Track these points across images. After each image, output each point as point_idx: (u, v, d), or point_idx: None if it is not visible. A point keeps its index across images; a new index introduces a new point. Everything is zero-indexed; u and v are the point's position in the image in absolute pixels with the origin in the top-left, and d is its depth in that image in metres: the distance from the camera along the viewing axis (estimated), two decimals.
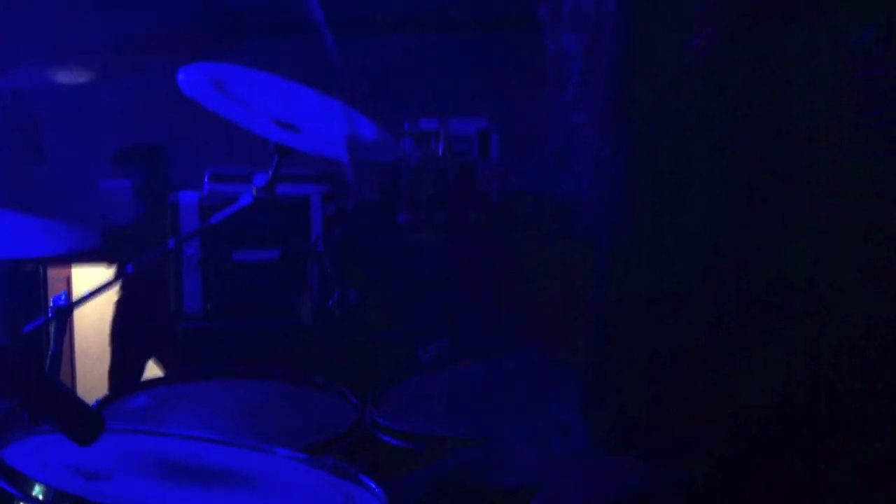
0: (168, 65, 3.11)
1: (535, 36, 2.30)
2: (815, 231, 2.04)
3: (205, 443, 2.32)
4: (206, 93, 2.93)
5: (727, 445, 2.05)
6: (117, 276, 3.12)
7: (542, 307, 3.31)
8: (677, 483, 2.08)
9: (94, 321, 4.87)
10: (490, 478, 2.42)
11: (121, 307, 4.69)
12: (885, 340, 2.03)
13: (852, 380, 2.03)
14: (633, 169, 2.11)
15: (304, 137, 2.95)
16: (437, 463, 2.59)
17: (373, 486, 2.17)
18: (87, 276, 4.85)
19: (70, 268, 4.58)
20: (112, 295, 4.53)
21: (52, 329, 2.86)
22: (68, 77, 4.71)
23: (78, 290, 4.83)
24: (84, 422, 1.88)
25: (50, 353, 2.85)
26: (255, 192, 2.96)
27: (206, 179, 4.33)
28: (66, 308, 2.87)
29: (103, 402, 2.85)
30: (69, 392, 1.91)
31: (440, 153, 3.90)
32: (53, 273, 4.33)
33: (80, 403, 1.90)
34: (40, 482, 2.01)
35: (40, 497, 2.01)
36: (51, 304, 2.89)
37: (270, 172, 2.96)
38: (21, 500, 2.02)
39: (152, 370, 4.53)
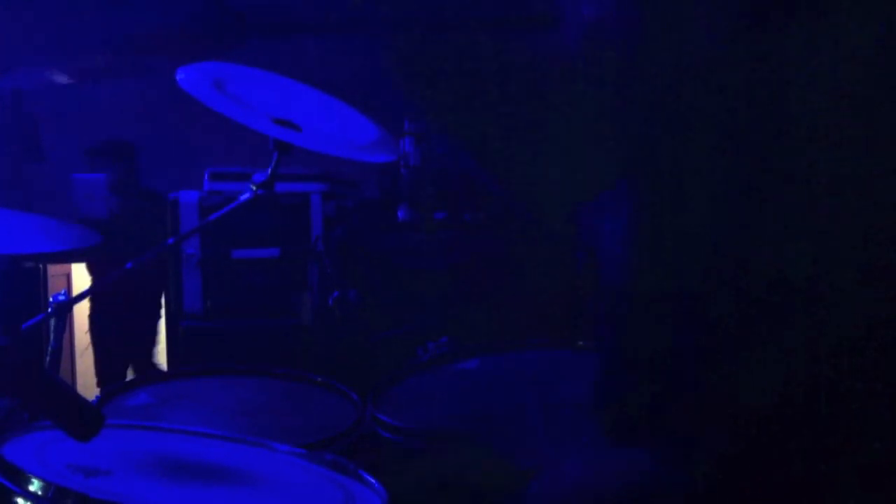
0: (168, 65, 3.11)
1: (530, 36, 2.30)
2: (815, 231, 2.04)
3: (205, 439, 2.32)
4: (205, 91, 2.93)
5: (727, 445, 2.05)
6: (115, 275, 3.11)
7: (542, 307, 3.32)
8: (677, 482, 2.08)
9: None
10: (486, 466, 2.42)
11: (98, 306, 4.69)
12: (885, 340, 2.03)
13: (852, 380, 2.03)
14: (634, 169, 2.11)
15: (303, 136, 2.94)
16: (438, 462, 2.59)
17: (373, 482, 2.17)
18: (86, 274, 4.86)
19: (70, 265, 4.59)
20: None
21: (51, 326, 2.86)
22: (68, 77, 4.71)
23: (78, 287, 4.84)
24: (83, 418, 1.88)
25: (50, 349, 2.85)
26: (254, 189, 2.96)
27: (206, 178, 4.34)
28: (66, 305, 2.87)
29: (103, 399, 2.85)
30: (69, 389, 1.91)
31: (440, 153, 3.91)
32: (53, 270, 4.33)
33: (80, 400, 1.90)
34: (40, 478, 2.01)
35: (40, 493, 2.00)
36: (51, 300, 2.89)
37: (270, 170, 2.96)
38: (21, 496, 2.01)
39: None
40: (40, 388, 1.88)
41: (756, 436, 2.04)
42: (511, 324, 3.42)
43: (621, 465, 2.13)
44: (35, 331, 2.90)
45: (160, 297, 4.63)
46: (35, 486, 2.02)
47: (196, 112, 3.01)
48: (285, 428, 2.74)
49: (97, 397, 2.84)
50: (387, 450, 2.70)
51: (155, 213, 4.48)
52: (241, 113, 2.92)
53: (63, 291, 2.92)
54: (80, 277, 4.89)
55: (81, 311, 4.81)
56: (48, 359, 2.84)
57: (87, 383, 4.85)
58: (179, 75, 2.91)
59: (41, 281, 4.06)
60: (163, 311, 4.65)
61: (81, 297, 2.98)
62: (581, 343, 2.82)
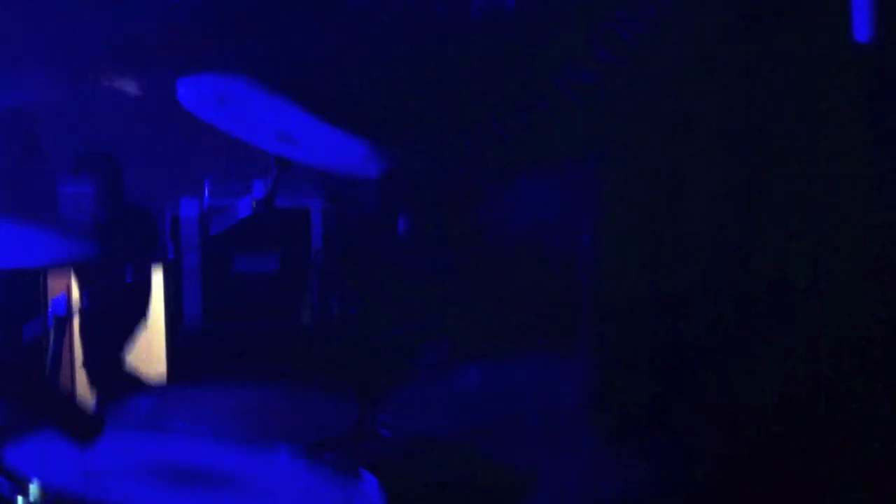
0: (168, 66, 3.11)
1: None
2: (815, 231, 2.04)
3: (205, 443, 2.32)
4: (205, 107, 2.93)
5: (727, 445, 2.05)
6: (115, 283, 3.11)
7: (542, 307, 3.31)
8: (677, 483, 2.08)
9: None
10: (485, 467, 2.42)
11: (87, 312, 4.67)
12: (885, 340, 2.04)
13: (852, 380, 2.03)
14: (633, 169, 2.11)
15: (303, 150, 2.94)
16: (437, 463, 2.59)
17: (373, 485, 2.17)
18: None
19: (70, 272, 4.58)
20: None
21: (52, 331, 2.86)
22: (68, 77, 4.71)
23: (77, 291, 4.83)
24: (84, 425, 1.88)
25: (50, 354, 2.85)
26: (253, 204, 2.97)
27: (206, 191, 4.33)
28: (66, 311, 2.87)
29: (103, 403, 2.85)
30: (69, 395, 1.91)
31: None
32: (53, 277, 4.33)
33: (80, 407, 1.90)
34: (41, 482, 2.02)
35: (40, 496, 2.01)
36: (50, 307, 2.89)
37: (270, 185, 2.96)
38: (21, 499, 2.02)
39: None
40: (40, 392, 1.88)
41: (756, 436, 2.04)
42: (511, 325, 3.41)
43: (621, 465, 2.13)
44: (35, 336, 2.90)
45: (144, 312, 4.61)
46: (35, 489, 2.02)
47: (197, 121, 3.01)
48: (285, 428, 2.74)
49: (97, 402, 2.84)
50: (386, 451, 2.70)
51: (140, 229, 4.48)
52: (241, 128, 2.92)
53: (63, 298, 2.91)
54: None
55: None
56: (48, 364, 2.84)
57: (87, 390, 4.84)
58: (180, 90, 2.91)
59: (41, 285, 4.06)
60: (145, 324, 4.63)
61: (81, 309, 2.98)
62: (581, 344, 2.82)
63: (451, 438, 2.66)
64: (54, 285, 4.27)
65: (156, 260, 4.32)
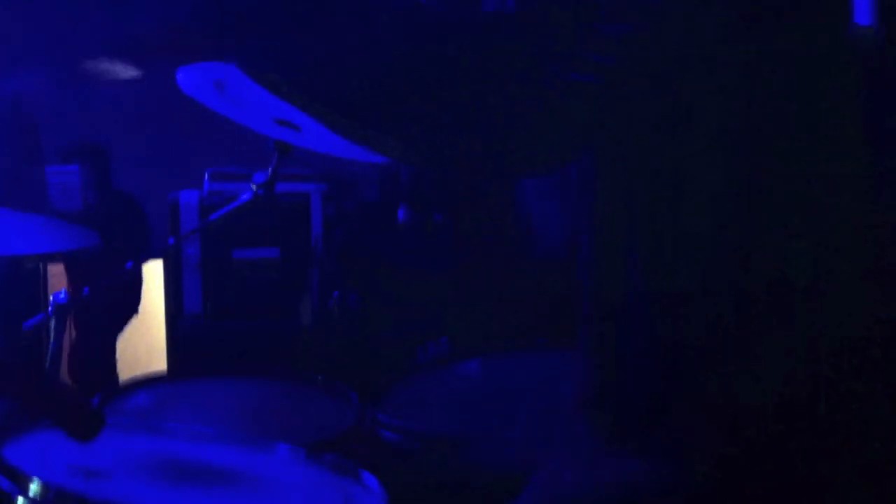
0: (168, 66, 3.10)
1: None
2: (815, 231, 2.04)
3: (205, 441, 2.32)
4: (205, 92, 2.93)
5: (727, 445, 2.05)
6: (118, 276, 3.11)
7: (542, 307, 3.31)
8: (677, 483, 2.08)
9: None
10: (483, 471, 2.42)
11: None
12: (885, 340, 2.03)
13: (852, 380, 2.03)
14: (633, 169, 2.11)
15: (303, 136, 2.94)
16: (438, 463, 2.59)
17: (373, 483, 2.17)
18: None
19: (71, 264, 4.57)
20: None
21: (52, 326, 2.86)
22: (68, 77, 4.71)
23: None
24: (84, 419, 1.88)
25: (50, 350, 2.85)
26: (254, 189, 2.96)
27: (206, 179, 4.33)
28: (66, 305, 2.87)
29: (103, 400, 2.85)
30: (69, 390, 1.91)
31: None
32: (53, 270, 4.32)
33: (80, 401, 1.90)
34: (40, 480, 2.01)
35: (40, 494, 2.00)
36: (51, 300, 2.89)
37: (270, 170, 2.95)
38: (21, 497, 2.02)
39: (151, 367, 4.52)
40: (40, 387, 1.88)
41: (756, 436, 2.03)
42: (511, 324, 3.41)
43: (620, 465, 2.13)
44: (35, 332, 2.90)
45: (135, 301, 4.60)
46: (35, 486, 2.02)
47: (196, 112, 3.01)
48: (285, 428, 2.74)
49: (97, 398, 2.84)
50: (386, 451, 2.70)
51: (127, 215, 4.48)
52: (242, 113, 2.91)
53: (63, 291, 2.91)
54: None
55: None
56: (48, 360, 2.84)
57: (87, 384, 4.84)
58: (180, 77, 2.91)
59: (41, 281, 4.05)
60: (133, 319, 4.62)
61: (82, 298, 2.98)
62: (581, 344, 2.81)
63: (451, 438, 2.66)
64: (55, 280, 4.27)
65: (146, 250, 4.32)
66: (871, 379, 2.03)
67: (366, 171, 4.28)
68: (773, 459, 2.03)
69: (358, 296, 3.74)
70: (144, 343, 4.74)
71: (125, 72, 4.83)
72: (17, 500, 2.02)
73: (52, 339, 2.86)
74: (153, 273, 4.56)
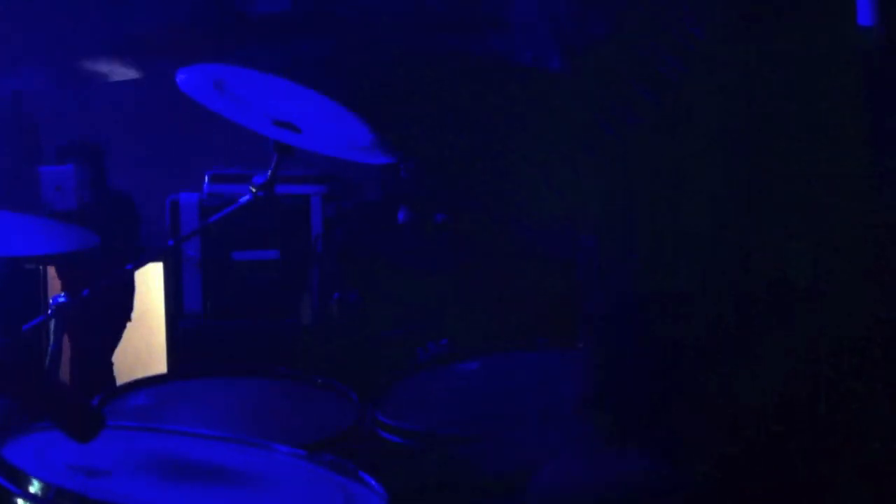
0: (168, 66, 3.10)
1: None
2: (815, 231, 2.04)
3: (204, 440, 2.32)
4: (205, 93, 2.93)
5: (727, 445, 2.05)
6: (118, 277, 3.11)
7: (542, 307, 3.31)
8: (677, 482, 2.08)
9: None
10: (483, 471, 2.42)
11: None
12: (885, 340, 2.04)
13: (852, 380, 2.03)
14: (633, 169, 2.11)
15: (303, 137, 2.94)
16: (438, 463, 2.59)
17: (373, 483, 2.17)
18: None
19: (70, 266, 4.57)
20: None
21: (51, 327, 2.86)
22: (69, 77, 4.71)
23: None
24: (83, 419, 1.88)
25: (50, 350, 2.85)
26: (254, 191, 2.96)
27: (206, 180, 4.34)
28: (66, 306, 2.87)
29: (103, 400, 2.85)
30: (69, 390, 1.91)
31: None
32: (53, 271, 4.33)
33: (80, 401, 1.90)
34: (40, 479, 2.01)
35: (40, 494, 2.00)
36: (51, 301, 2.89)
37: (270, 172, 2.95)
38: (21, 497, 2.01)
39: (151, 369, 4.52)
40: (40, 387, 1.88)
41: (756, 436, 2.04)
42: (511, 325, 3.42)
43: (621, 465, 2.13)
44: (35, 332, 2.90)
45: (129, 306, 4.60)
46: (35, 486, 2.01)
47: (196, 113, 3.01)
48: (285, 428, 2.74)
49: (97, 398, 2.84)
50: (387, 451, 2.70)
51: (122, 214, 4.48)
52: (242, 114, 2.91)
53: (63, 293, 2.91)
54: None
55: None
56: (48, 360, 2.84)
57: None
58: (180, 77, 2.91)
59: (41, 282, 4.06)
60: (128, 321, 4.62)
61: (82, 298, 2.98)
62: (581, 344, 2.82)
63: (452, 438, 2.66)
64: (54, 281, 4.28)
65: (140, 251, 4.32)
66: (871, 379, 2.03)
67: (366, 172, 4.28)
68: (773, 459, 2.03)
69: (358, 296, 3.75)
70: (144, 343, 4.74)
71: (125, 72, 4.84)
72: (16, 499, 2.02)
73: (52, 341, 2.86)
74: (153, 274, 4.56)
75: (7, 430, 2.21)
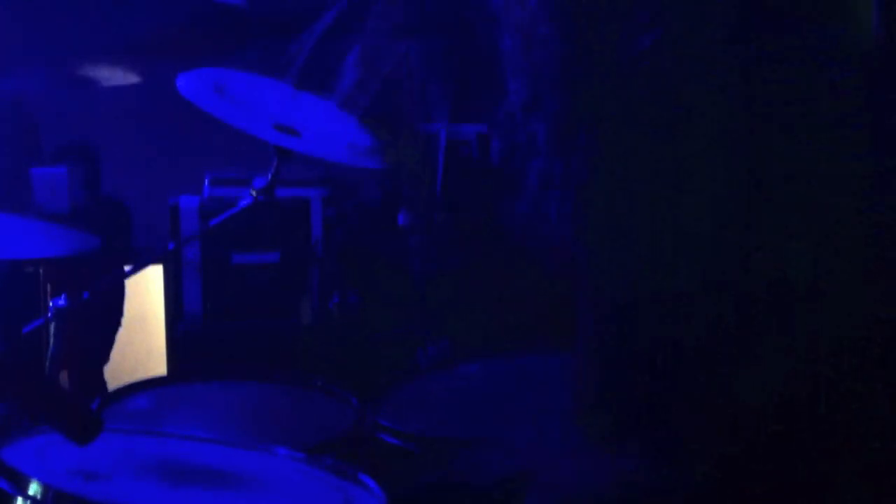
0: (169, 68, 3.11)
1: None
2: (815, 231, 2.04)
3: (204, 443, 2.32)
4: (206, 97, 2.93)
5: (727, 445, 2.05)
6: (115, 276, 3.11)
7: (542, 307, 3.31)
8: (677, 483, 2.07)
9: None
10: (483, 473, 2.42)
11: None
12: (885, 340, 2.03)
13: (852, 380, 2.03)
14: (633, 169, 2.11)
15: (303, 141, 2.95)
16: (437, 465, 2.59)
17: (372, 486, 2.17)
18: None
19: (70, 268, 4.57)
20: None
21: (51, 330, 2.86)
22: (69, 78, 4.71)
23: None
24: (82, 422, 1.88)
25: (50, 353, 2.85)
26: (254, 194, 2.96)
27: (206, 183, 4.34)
28: (66, 309, 2.87)
29: (103, 403, 2.85)
30: (68, 393, 1.91)
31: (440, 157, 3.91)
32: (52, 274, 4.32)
33: (79, 404, 1.90)
34: (39, 482, 2.01)
35: (39, 497, 2.00)
36: (51, 305, 2.89)
37: (270, 175, 2.96)
38: (20, 499, 2.01)
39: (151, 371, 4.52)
40: (39, 390, 1.88)
41: (756, 436, 2.03)
42: (511, 325, 3.41)
43: (621, 465, 2.12)
44: (35, 336, 2.90)
45: (119, 310, 4.60)
46: (34, 489, 2.01)
47: (197, 116, 3.01)
48: (284, 431, 2.74)
49: (97, 401, 2.84)
50: (386, 453, 2.69)
51: (115, 218, 4.48)
52: (242, 118, 2.92)
53: (63, 296, 2.91)
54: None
55: None
56: (48, 363, 2.84)
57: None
58: (180, 82, 2.91)
59: (41, 285, 4.06)
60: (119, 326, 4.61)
61: (82, 302, 2.98)
62: (581, 344, 2.81)
63: (451, 441, 2.66)
64: (54, 283, 4.27)
65: (136, 254, 4.32)
66: (871, 379, 2.03)
67: (366, 174, 4.28)
68: (773, 459, 2.03)
69: (358, 297, 3.75)
70: (144, 346, 4.74)
71: (125, 75, 4.84)
72: (16, 502, 2.02)
73: (51, 343, 2.86)
74: (153, 277, 4.56)
75: (6, 432, 2.21)
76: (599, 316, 2.19)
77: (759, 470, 2.03)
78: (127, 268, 3.15)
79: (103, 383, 4.41)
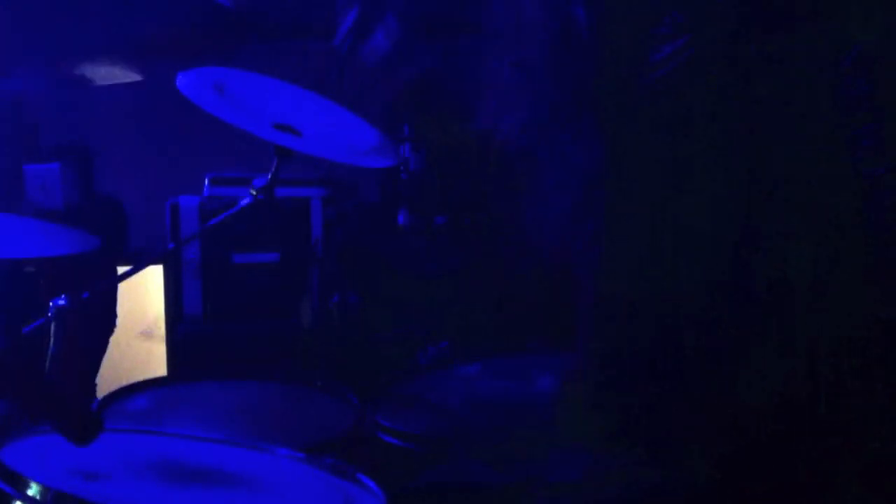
0: (168, 67, 3.10)
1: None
2: (815, 231, 2.04)
3: (204, 443, 2.31)
4: (205, 96, 2.93)
5: (727, 445, 2.05)
6: (115, 278, 3.11)
7: (543, 310, 3.31)
8: (678, 482, 2.08)
9: None
10: (484, 473, 2.42)
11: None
12: (885, 340, 2.03)
13: (852, 380, 2.03)
14: (634, 169, 2.11)
15: (304, 140, 2.94)
16: (437, 465, 2.59)
17: (372, 486, 2.17)
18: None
19: (71, 270, 4.57)
20: None
21: (52, 330, 2.86)
22: (69, 78, 4.71)
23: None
24: (82, 423, 1.87)
25: (50, 353, 2.84)
26: (254, 194, 2.96)
27: (206, 183, 4.34)
28: (67, 309, 2.86)
29: (103, 404, 2.85)
30: (68, 393, 1.91)
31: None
32: (53, 274, 4.33)
33: (79, 404, 1.89)
34: (39, 482, 2.01)
35: (39, 497, 2.00)
36: (51, 304, 2.89)
37: (270, 175, 2.95)
38: (20, 500, 2.01)
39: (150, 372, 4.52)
40: (39, 390, 1.88)
41: (756, 436, 2.03)
42: (511, 325, 3.41)
43: (621, 465, 2.13)
44: (35, 335, 2.90)
45: (113, 312, 4.59)
46: (34, 490, 2.01)
47: (197, 116, 3.01)
48: (284, 430, 2.74)
49: (97, 402, 2.84)
50: (386, 453, 2.69)
51: (110, 217, 4.47)
52: (242, 118, 2.92)
53: (63, 295, 2.91)
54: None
55: None
56: (48, 363, 2.83)
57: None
58: (180, 81, 2.91)
59: (41, 284, 4.06)
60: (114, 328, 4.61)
61: (83, 301, 2.98)
62: (581, 345, 2.82)
63: (451, 441, 2.66)
64: (55, 283, 4.27)
65: (135, 254, 4.32)
66: (871, 379, 2.03)
67: (366, 174, 4.28)
68: (773, 459, 2.03)
69: (358, 297, 3.74)
70: (145, 347, 4.74)
71: (125, 74, 4.84)
72: (15, 502, 2.02)
73: (52, 343, 2.86)
74: (153, 277, 4.56)
75: (6, 432, 2.21)
76: (599, 316, 2.19)
77: (759, 470, 2.03)
78: (127, 268, 3.13)
79: (93, 389, 4.41)
